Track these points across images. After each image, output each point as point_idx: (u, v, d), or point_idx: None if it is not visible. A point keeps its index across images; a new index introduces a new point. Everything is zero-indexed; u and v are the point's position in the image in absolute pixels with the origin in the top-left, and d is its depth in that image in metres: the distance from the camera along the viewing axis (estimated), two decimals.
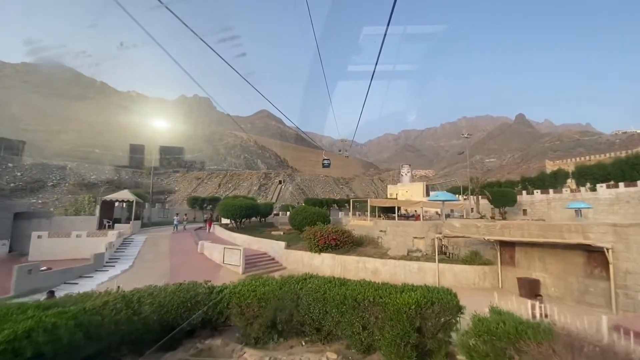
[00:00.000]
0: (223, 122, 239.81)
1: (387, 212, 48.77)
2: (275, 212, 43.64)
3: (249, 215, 27.81)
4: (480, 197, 40.34)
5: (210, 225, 28.48)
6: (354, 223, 25.82)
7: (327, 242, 19.25)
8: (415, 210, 48.36)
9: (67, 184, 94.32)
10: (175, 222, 27.75)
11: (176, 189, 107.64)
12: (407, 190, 76.53)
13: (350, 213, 51.55)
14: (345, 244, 19.68)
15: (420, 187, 75.49)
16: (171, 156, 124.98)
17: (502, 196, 39.65)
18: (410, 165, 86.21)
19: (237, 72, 7.07)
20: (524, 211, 43.71)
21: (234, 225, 27.66)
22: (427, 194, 75.65)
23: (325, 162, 29.24)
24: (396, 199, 59.95)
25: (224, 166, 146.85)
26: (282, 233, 27.36)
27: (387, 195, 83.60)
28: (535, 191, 42.82)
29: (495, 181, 49.93)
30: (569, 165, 65.24)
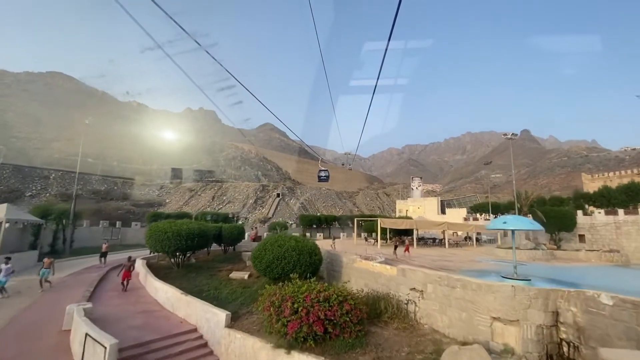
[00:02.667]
0: (227, 134, 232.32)
1: (401, 234, 37.98)
2: (257, 233, 32.97)
3: (196, 247, 17.27)
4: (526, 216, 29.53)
5: (126, 278, 14.34)
6: (361, 266, 15.13)
7: (307, 325, 8.66)
8: (405, 235, 36.25)
9: (47, 195, 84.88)
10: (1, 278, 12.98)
11: (167, 201, 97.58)
12: (419, 207, 65.53)
13: (355, 234, 40.71)
14: (344, 328, 9.05)
15: (434, 202, 64.47)
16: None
17: (558, 218, 28.76)
18: (421, 178, 75.48)
19: (243, 85, 7.61)
20: (581, 237, 32.68)
21: (173, 262, 17.19)
22: (442, 211, 64.62)
23: (322, 174, 19.48)
24: (407, 216, 48.96)
25: (224, 178, 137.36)
26: (246, 276, 16.82)
27: (395, 211, 72.70)
28: (597, 211, 31.86)
29: (539, 197, 38.68)
30: (612, 180, 54.10)
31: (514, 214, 30.35)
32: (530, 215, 28.68)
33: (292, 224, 75.15)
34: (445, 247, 33.68)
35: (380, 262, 14.44)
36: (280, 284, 10.60)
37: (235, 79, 7.36)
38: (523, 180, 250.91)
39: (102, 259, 20.03)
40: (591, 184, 55.69)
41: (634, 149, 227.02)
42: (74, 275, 16.72)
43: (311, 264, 13.86)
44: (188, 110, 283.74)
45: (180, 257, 17.28)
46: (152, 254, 20.32)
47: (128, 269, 14.34)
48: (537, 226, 13.60)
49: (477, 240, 37.72)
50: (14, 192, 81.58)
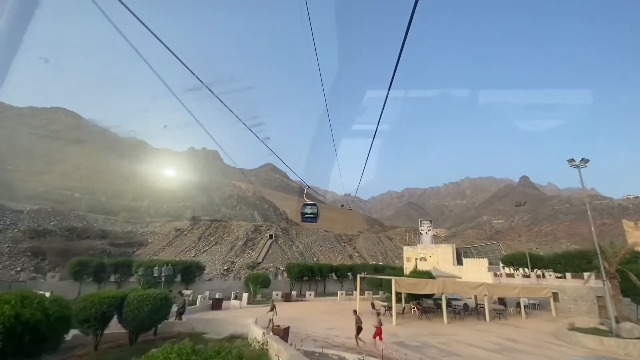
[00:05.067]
0: (227, 173, 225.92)
1: (419, 297, 27.62)
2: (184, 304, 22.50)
3: (37, 351, 7.51)
4: (609, 279, 19.57)
5: None
6: None
7: None
8: (427, 297, 25.38)
9: (15, 230, 74.71)
10: None
11: (149, 241, 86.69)
12: (431, 255, 55.03)
13: (357, 295, 30.23)
14: None
15: (448, 251, 53.91)
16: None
17: None
18: (430, 221, 65.64)
19: (248, 128, 7.54)
20: None
21: None
22: (459, 261, 54.12)
23: (308, 211, 9.59)
24: (425, 271, 38.48)
25: (218, 217, 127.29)
26: None
27: (402, 259, 61.88)
28: None
29: (631, 250, 27.76)
30: None
31: (596, 272, 20.45)
32: (617, 277, 18.88)
33: (283, 270, 64.02)
34: (485, 319, 23.33)
35: None
36: None
37: (238, 117, 7.18)
38: (526, 227, 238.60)
39: None
40: (635, 232, 46.05)
41: (637, 197, 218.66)
42: None
43: None
44: (191, 149, 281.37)
45: None
46: None
47: None
48: None
49: (527, 307, 27.29)
50: None
